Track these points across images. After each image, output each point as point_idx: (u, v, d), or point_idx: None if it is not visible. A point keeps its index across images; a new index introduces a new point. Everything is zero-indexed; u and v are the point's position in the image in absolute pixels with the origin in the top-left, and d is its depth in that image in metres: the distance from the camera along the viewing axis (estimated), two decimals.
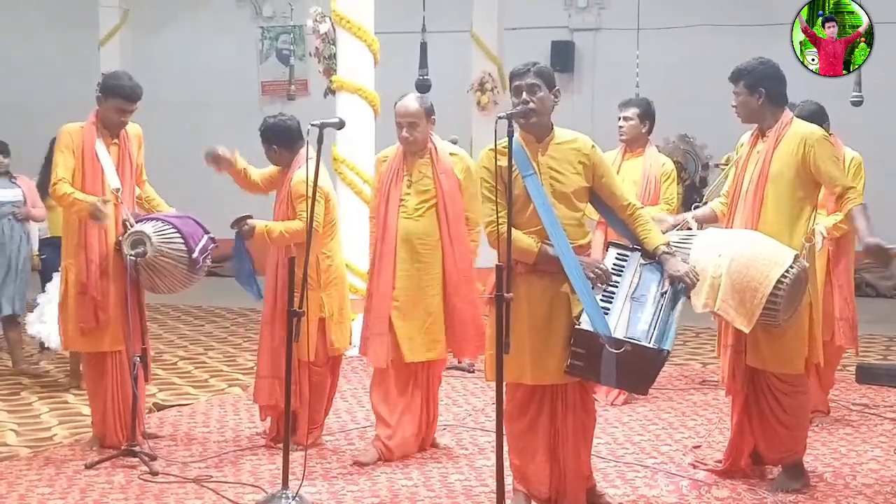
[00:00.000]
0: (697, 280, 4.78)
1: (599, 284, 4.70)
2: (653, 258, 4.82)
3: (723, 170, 5.82)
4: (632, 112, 7.31)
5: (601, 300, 4.68)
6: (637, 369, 4.62)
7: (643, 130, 7.33)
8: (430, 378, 6.02)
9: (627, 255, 4.85)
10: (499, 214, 4.63)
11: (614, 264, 4.83)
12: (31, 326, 8.13)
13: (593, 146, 4.90)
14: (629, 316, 4.65)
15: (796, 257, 5.00)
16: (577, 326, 4.65)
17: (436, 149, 5.88)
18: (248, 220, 5.93)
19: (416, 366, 5.89)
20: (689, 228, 5.48)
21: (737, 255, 5.00)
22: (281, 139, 6.10)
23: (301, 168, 5.83)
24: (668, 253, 4.80)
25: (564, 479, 4.91)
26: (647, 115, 7.34)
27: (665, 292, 4.72)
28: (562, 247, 4.70)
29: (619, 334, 4.58)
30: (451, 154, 5.92)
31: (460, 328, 5.86)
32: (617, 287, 4.74)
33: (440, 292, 5.83)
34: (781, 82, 5.31)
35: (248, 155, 6.40)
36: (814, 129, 5.26)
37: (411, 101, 5.86)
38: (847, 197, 5.13)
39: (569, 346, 4.67)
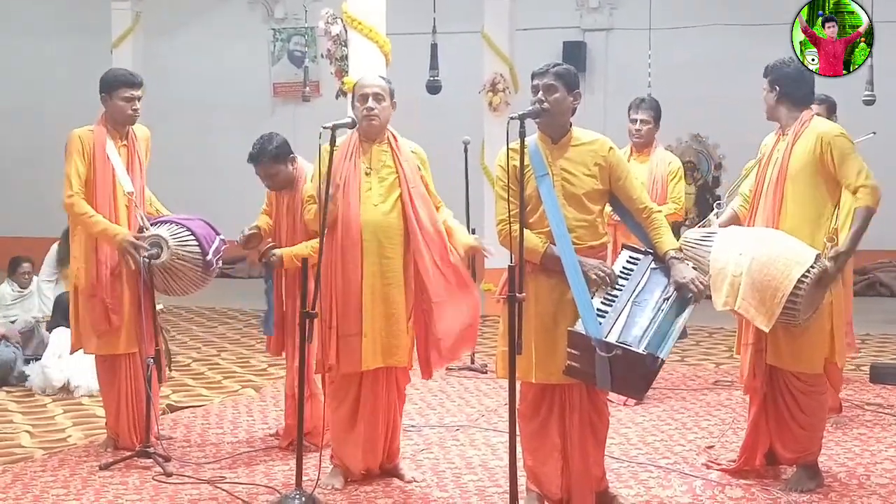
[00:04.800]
0: (703, 288, 4.74)
1: (603, 287, 4.69)
2: (664, 262, 4.81)
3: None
4: (647, 115, 7.31)
5: (602, 302, 4.66)
6: (631, 374, 4.58)
7: (656, 133, 7.36)
8: (388, 389, 5.48)
9: (639, 259, 4.85)
10: (511, 214, 4.64)
11: (624, 267, 4.82)
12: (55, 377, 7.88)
13: (611, 148, 4.89)
14: (626, 320, 4.62)
15: (818, 257, 4.99)
16: (569, 328, 4.64)
17: (394, 136, 5.46)
18: (275, 251, 5.87)
19: (372, 373, 5.39)
20: (710, 225, 5.48)
21: (758, 253, 4.99)
22: (289, 152, 6.09)
23: (306, 182, 5.81)
24: (676, 258, 4.78)
25: (572, 479, 4.92)
26: (659, 115, 7.37)
27: (669, 298, 4.70)
28: (564, 248, 4.70)
29: (612, 338, 4.55)
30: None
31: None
32: (621, 290, 4.72)
33: (403, 290, 5.35)
34: (799, 84, 5.33)
35: None
36: (831, 127, 5.26)
37: (377, 76, 5.58)
38: (857, 196, 5.12)
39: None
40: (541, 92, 4.81)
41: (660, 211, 4.96)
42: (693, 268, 4.86)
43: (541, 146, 4.86)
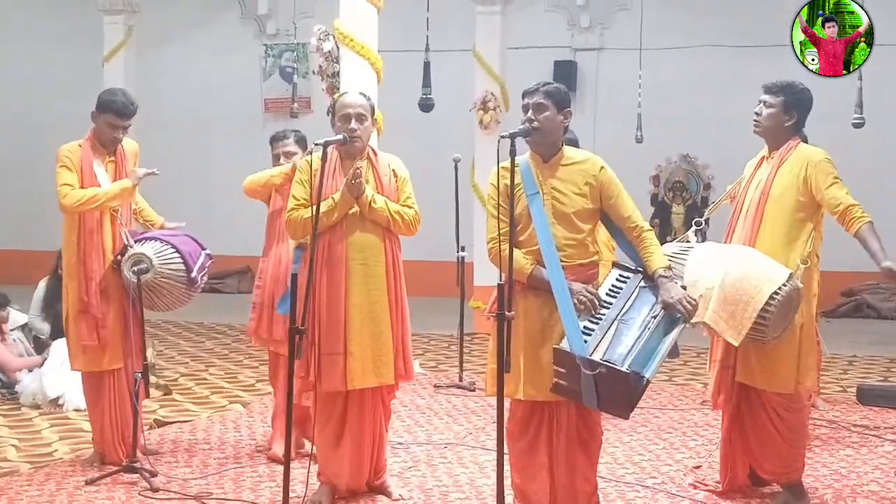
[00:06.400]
0: (692, 307, 4.69)
1: (588, 310, 4.67)
2: (653, 281, 4.81)
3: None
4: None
5: (589, 321, 4.65)
6: (616, 393, 4.56)
7: None
8: (374, 405, 5.45)
9: (628, 277, 4.84)
10: (501, 233, 4.65)
11: (613, 285, 4.81)
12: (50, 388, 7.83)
13: (602, 167, 4.89)
14: (612, 338, 4.61)
15: (790, 276, 5.02)
16: (555, 346, 4.65)
17: (374, 151, 5.49)
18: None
19: (358, 391, 5.36)
20: (688, 241, 5.49)
21: (731, 268, 5.04)
22: (307, 146, 6.27)
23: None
24: (664, 277, 4.76)
25: (557, 497, 4.90)
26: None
27: (657, 316, 4.68)
28: (552, 268, 4.71)
29: (597, 356, 4.54)
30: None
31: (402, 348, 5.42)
32: (608, 308, 4.71)
33: (387, 309, 5.35)
34: (808, 113, 5.37)
35: (249, 170, 6.45)
36: (816, 152, 5.29)
37: (359, 95, 5.47)
38: (853, 216, 5.13)
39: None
40: (531, 111, 4.83)
41: (651, 230, 4.95)
42: (678, 273, 4.86)
43: (532, 165, 4.87)
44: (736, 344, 5.07)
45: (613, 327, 4.66)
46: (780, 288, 4.95)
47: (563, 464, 4.87)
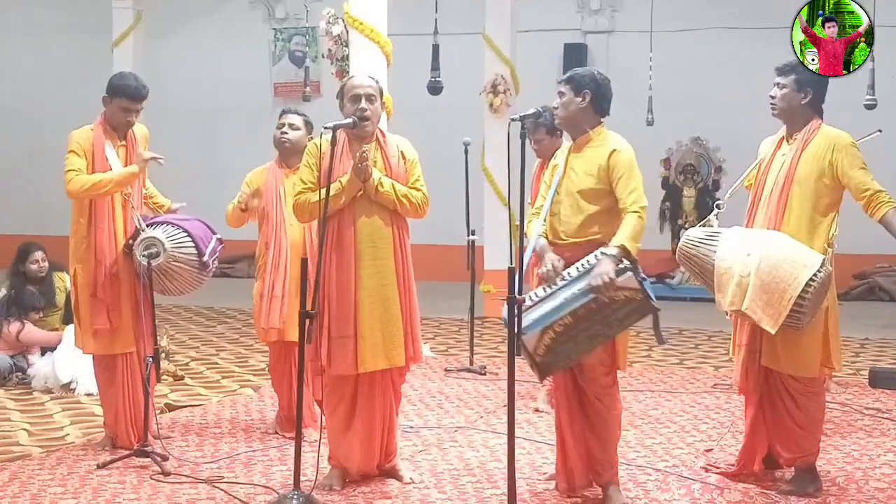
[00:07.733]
0: (603, 284, 4.68)
1: (546, 281, 4.87)
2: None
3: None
4: (541, 133, 6.92)
5: (543, 289, 4.86)
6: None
7: (557, 142, 6.79)
8: (384, 388, 5.47)
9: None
10: (537, 208, 5.16)
11: (588, 260, 4.84)
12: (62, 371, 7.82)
13: (615, 150, 5.00)
14: (538, 305, 4.81)
15: (823, 261, 4.99)
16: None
17: (382, 133, 5.47)
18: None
19: (368, 374, 5.37)
20: (711, 226, 5.45)
21: (766, 254, 5.00)
22: (311, 131, 6.30)
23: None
24: (606, 254, 4.77)
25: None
26: (553, 129, 6.83)
27: (580, 290, 4.76)
28: (532, 236, 5.02)
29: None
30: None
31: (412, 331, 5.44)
32: (565, 280, 4.83)
33: (397, 291, 5.36)
34: (825, 89, 5.33)
35: (258, 155, 6.44)
36: (842, 135, 5.25)
37: (367, 77, 5.47)
38: (881, 200, 5.08)
39: None
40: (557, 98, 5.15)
41: (635, 212, 4.90)
42: (693, 266, 4.91)
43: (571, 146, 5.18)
44: (773, 332, 5.02)
45: (548, 297, 4.82)
46: (815, 274, 4.93)
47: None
